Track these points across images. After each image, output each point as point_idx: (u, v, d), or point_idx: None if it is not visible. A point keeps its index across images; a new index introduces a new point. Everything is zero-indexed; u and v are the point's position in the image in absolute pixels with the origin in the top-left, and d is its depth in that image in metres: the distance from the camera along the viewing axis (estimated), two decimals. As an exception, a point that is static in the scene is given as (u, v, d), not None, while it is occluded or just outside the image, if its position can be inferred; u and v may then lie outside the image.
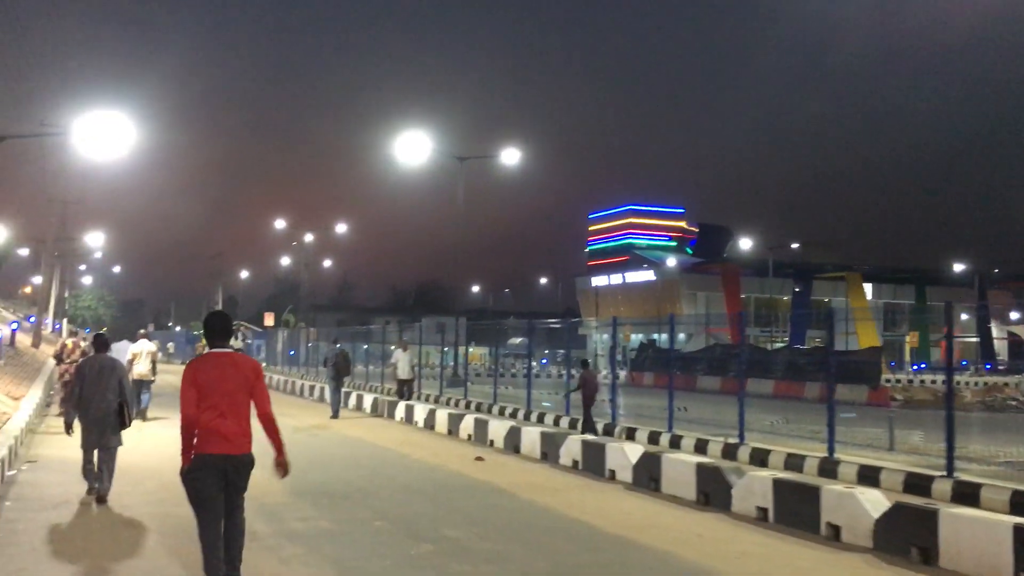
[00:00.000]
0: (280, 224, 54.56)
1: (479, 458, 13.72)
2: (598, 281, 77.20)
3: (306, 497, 10.10)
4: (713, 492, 10.11)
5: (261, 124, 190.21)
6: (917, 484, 11.38)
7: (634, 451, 11.83)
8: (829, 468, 12.71)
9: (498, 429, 15.45)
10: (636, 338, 52.74)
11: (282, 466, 5.82)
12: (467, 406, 23.48)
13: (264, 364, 49.17)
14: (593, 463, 12.44)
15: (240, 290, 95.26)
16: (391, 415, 20.70)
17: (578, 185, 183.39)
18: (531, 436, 14.32)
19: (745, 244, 60.46)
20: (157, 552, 7.53)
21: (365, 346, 36.90)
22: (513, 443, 14.76)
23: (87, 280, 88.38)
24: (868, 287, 70.15)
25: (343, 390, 22.43)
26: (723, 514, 9.71)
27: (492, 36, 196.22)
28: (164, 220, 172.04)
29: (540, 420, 19.54)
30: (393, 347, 24.91)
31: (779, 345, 49.89)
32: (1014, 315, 66.98)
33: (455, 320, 33.81)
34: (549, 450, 13.67)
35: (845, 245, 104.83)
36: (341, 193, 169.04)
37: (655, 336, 49.44)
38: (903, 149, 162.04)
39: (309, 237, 55.53)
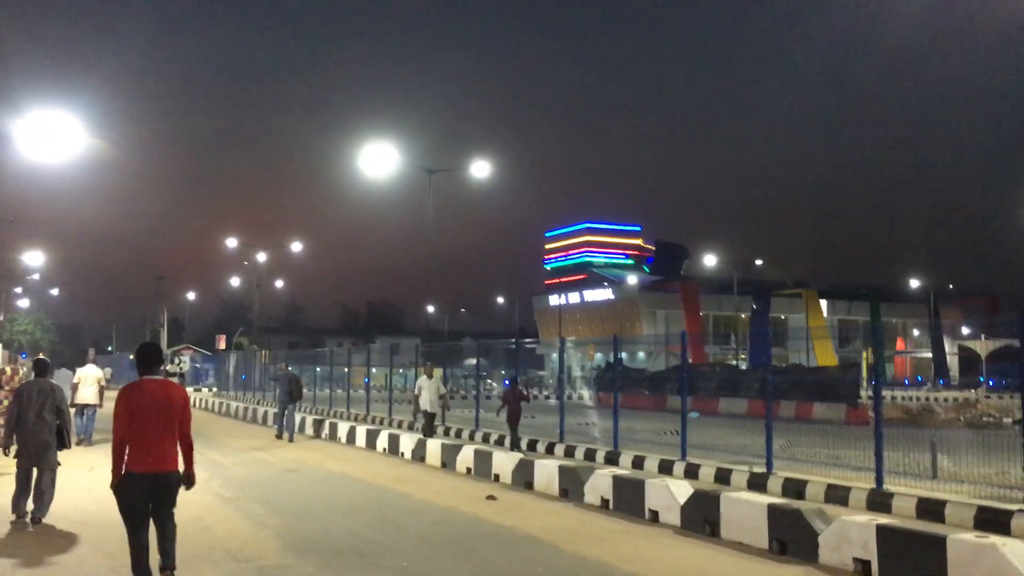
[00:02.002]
0: (230, 243, 51.92)
1: (491, 497, 12.06)
2: (556, 300, 75.88)
3: (310, 555, 8.38)
4: (792, 539, 8.63)
5: (212, 135, 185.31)
6: (991, 520, 10.11)
7: (681, 489, 10.30)
8: (881, 501, 11.41)
9: (505, 462, 13.78)
10: (598, 357, 51.48)
11: (190, 478, 6.53)
12: (445, 433, 21.81)
13: (215, 390, 46.90)
14: (628, 502, 10.88)
15: (185, 312, 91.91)
16: (372, 445, 18.91)
17: (534, 204, 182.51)
18: (547, 470, 12.67)
19: (709, 262, 59.67)
20: (88, 552, 8.22)
21: (318, 368, 35.70)
22: (524, 478, 13.10)
23: (24, 303, 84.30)
24: (824, 303, 70.04)
25: (297, 414, 22.54)
26: (810, 566, 8.23)
27: (456, 55, 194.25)
28: (105, 240, 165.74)
29: (531, 448, 18.05)
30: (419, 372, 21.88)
31: (740, 363, 49.14)
32: (965, 330, 67.27)
33: (418, 342, 32.29)
34: (570, 486, 12.06)
35: (801, 262, 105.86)
36: (286, 209, 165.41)
37: (621, 355, 48.12)
38: (859, 166, 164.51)
39: (261, 256, 53.05)
